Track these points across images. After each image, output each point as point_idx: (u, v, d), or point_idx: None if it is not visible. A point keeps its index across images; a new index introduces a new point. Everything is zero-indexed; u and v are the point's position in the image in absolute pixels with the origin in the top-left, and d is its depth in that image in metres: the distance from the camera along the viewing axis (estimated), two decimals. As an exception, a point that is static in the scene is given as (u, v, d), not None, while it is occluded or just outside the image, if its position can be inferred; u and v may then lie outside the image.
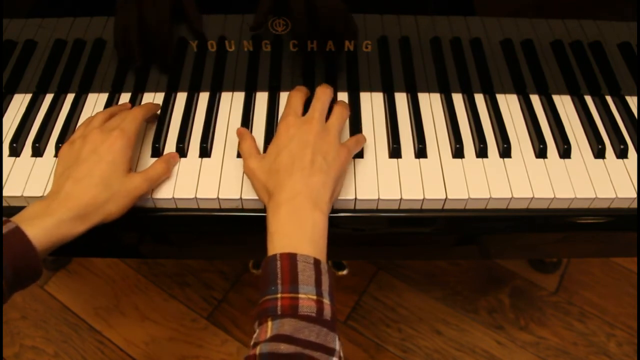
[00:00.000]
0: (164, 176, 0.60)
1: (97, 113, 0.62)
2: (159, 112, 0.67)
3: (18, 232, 0.48)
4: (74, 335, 1.19)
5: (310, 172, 0.52)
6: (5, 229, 0.48)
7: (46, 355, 1.16)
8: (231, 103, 0.70)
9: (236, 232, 0.63)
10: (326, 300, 0.47)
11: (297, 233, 0.50)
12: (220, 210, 0.61)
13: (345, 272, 1.03)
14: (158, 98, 0.70)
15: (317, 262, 0.48)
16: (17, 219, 0.50)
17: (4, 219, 0.49)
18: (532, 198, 0.60)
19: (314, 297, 0.46)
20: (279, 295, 0.45)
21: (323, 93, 0.60)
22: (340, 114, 0.60)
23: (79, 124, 0.67)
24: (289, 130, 0.56)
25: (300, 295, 0.45)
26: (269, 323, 0.44)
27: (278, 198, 0.51)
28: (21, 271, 0.48)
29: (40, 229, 0.49)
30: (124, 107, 0.64)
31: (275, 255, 0.48)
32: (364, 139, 0.63)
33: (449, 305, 1.23)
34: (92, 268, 1.30)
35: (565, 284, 1.27)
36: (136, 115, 0.60)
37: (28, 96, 0.71)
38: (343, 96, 0.70)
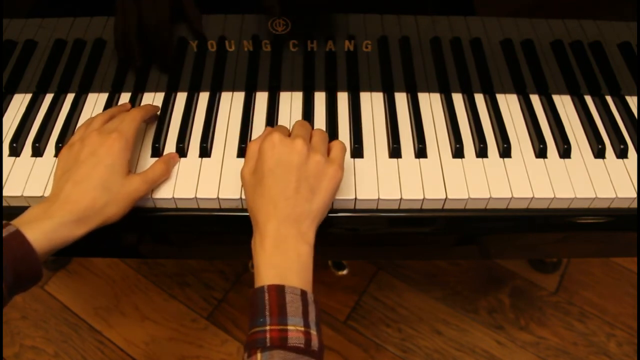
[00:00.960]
0: (164, 177, 0.60)
1: (96, 115, 0.62)
2: (158, 113, 0.67)
3: (18, 235, 0.48)
4: (74, 335, 1.19)
5: (294, 203, 0.52)
6: (5, 232, 0.48)
7: (46, 355, 1.16)
8: (231, 103, 0.70)
9: (236, 232, 0.63)
10: (313, 331, 0.47)
11: (283, 265, 0.50)
12: (220, 210, 0.61)
13: (345, 272, 1.03)
14: (158, 98, 0.70)
15: (303, 293, 0.49)
16: (17, 222, 0.50)
17: (3, 222, 0.49)
18: (532, 198, 0.60)
19: (302, 329, 0.46)
20: (267, 328, 0.46)
21: (303, 121, 0.60)
22: (321, 134, 0.59)
23: (79, 124, 0.67)
24: (274, 148, 0.54)
25: (288, 327, 0.46)
26: (258, 355, 0.45)
27: (263, 229, 0.52)
28: (22, 274, 0.48)
29: (40, 232, 0.49)
30: (123, 108, 0.64)
31: (263, 287, 0.48)
32: (343, 144, 0.59)
33: (449, 305, 1.23)
34: (92, 268, 1.30)
35: (565, 284, 1.27)
36: (134, 116, 0.60)
37: (28, 96, 0.71)
38: (343, 96, 0.70)
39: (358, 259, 1.27)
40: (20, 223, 0.50)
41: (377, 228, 0.63)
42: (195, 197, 0.59)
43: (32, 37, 0.65)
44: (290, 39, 0.64)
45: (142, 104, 0.70)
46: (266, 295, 0.48)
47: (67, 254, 0.71)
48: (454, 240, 0.68)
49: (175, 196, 0.59)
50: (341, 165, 0.56)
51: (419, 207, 0.60)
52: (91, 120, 0.61)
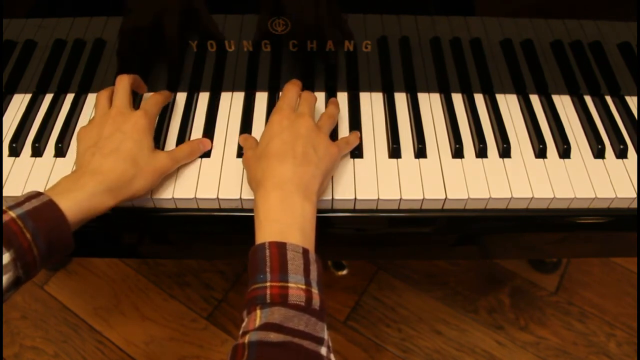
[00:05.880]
0: (188, 159, 0.61)
1: (98, 95, 0.62)
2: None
3: (52, 204, 0.48)
4: (74, 335, 1.19)
5: (301, 162, 0.53)
6: (38, 202, 0.48)
7: (46, 355, 1.16)
8: (231, 103, 0.70)
9: (236, 232, 0.63)
10: (315, 290, 0.46)
11: (287, 220, 0.50)
12: (220, 210, 0.61)
13: (345, 272, 1.03)
14: (158, 98, 0.70)
15: (305, 252, 0.48)
16: (50, 193, 0.50)
17: (36, 191, 0.49)
18: (531, 198, 0.60)
19: (303, 287, 0.46)
20: (268, 284, 0.45)
21: (309, 95, 0.62)
22: (330, 116, 0.62)
23: (79, 124, 0.67)
24: (282, 121, 0.56)
25: (289, 284, 0.45)
26: (258, 312, 0.44)
27: (267, 184, 0.52)
28: (53, 244, 0.48)
29: (72, 202, 0.49)
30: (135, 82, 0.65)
31: (264, 244, 0.48)
32: (356, 140, 0.63)
33: (449, 305, 1.23)
34: (92, 268, 1.30)
35: (565, 284, 1.27)
36: (157, 99, 0.63)
37: (28, 96, 0.71)
38: (343, 96, 0.70)
39: (358, 259, 1.27)
40: (53, 193, 0.49)
41: (377, 228, 0.63)
42: (195, 197, 0.59)
43: (32, 37, 0.65)
44: (290, 39, 0.64)
45: (141, 104, 0.70)
46: (267, 251, 0.47)
47: (67, 254, 0.71)
48: (454, 240, 0.68)
49: (175, 196, 0.59)
50: (340, 151, 0.59)
51: (418, 207, 0.60)
52: (97, 101, 0.61)
